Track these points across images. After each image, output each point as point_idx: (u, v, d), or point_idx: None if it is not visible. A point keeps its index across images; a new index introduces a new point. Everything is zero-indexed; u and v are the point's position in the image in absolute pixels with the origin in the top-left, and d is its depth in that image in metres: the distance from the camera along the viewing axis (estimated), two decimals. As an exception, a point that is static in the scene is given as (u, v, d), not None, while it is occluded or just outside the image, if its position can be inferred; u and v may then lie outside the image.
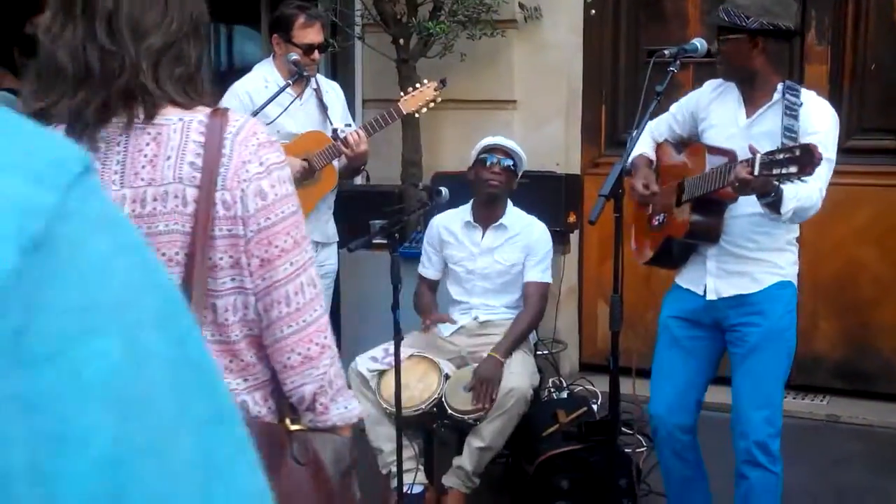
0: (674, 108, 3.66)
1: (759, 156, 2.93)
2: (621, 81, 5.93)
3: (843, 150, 5.53)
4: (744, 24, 3.26)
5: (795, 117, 3.25)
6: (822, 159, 2.85)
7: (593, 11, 5.98)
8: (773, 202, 3.07)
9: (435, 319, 4.42)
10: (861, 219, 5.47)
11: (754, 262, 3.39)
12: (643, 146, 3.64)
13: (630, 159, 3.58)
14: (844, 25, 5.52)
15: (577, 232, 5.79)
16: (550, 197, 5.28)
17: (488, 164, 4.33)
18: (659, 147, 3.65)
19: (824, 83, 5.53)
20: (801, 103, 3.27)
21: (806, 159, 2.82)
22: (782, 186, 3.03)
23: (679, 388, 3.56)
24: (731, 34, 3.28)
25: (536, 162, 5.71)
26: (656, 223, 3.58)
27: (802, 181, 2.96)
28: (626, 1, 5.98)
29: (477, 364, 4.18)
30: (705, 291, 3.45)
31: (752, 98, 3.38)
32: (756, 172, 2.93)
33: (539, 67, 5.90)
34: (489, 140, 4.40)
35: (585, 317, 6.15)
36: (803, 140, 3.17)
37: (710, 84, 3.56)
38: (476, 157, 4.38)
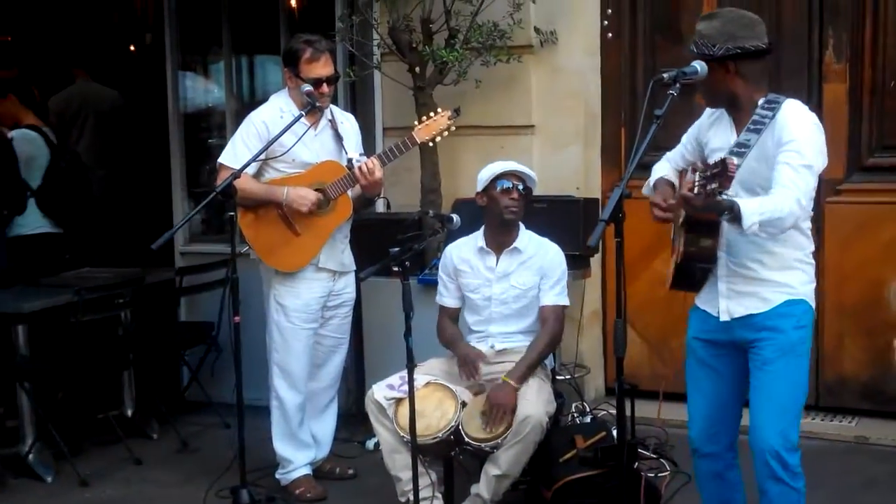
0: (684, 137, 3.71)
1: (697, 175, 3.00)
2: (639, 103, 5.92)
3: (864, 169, 5.55)
4: (710, 52, 3.29)
5: (757, 132, 3.27)
6: (734, 174, 2.94)
7: (610, 35, 5.99)
8: (732, 218, 3.10)
9: (476, 366, 4.31)
10: (885, 237, 5.41)
11: (763, 282, 3.39)
12: (662, 171, 3.68)
13: (652, 182, 3.63)
14: (863, 43, 5.48)
15: (598, 256, 5.78)
16: (569, 221, 5.28)
17: (504, 189, 4.33)
18: (680, 175, 3.67)
19: (843, 101, 5.50)
20: (773, 115, 3.28)
21: (721, 174, 2.91)
22: (738, 203, 3.07)
23: (712, 405, 3.56)
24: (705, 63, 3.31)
25: (556, 186, 5.73)
26: (673, 250, 3.62)
27: (727, 195, 3.03)
28: (643, 23, 5.98)
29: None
30: (719, 312, 3.46)
31: (740, 119, 3.40)
32: (696, 191, 2.99)
33: (556, 91, 5.91)
34: (502, 165, 4.40)
35: (610, 340, 6.11)
36: (780, 150, 3.20)
37: (708, 110, 3.58)
38: (488, 182, 4.37)
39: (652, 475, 4.63)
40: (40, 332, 5.40)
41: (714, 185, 2.93)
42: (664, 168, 3.70)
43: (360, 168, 4.55)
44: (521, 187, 4.35)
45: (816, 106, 5.24)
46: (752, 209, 3.07)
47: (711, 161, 3.38)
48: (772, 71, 5.44)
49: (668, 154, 3.74)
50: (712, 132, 3.51)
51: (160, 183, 7.10)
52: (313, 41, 4.63)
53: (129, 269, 6.07)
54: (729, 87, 3.35)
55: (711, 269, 3.44)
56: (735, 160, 3.04)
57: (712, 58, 3.29)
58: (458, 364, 4.35)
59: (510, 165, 4.41)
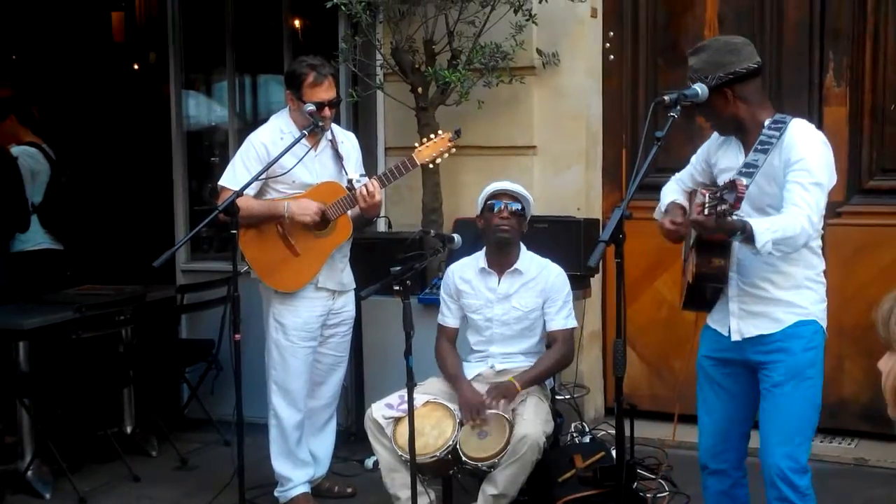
0: (693, 158, 3.73)
1: (707, 196, 3.02)
2: (640, 125, 5.95)
3: (864, 191, 5.56)
4: (704, 80, 3.32)
5: (765, 152, 3.29)
6: (744, 194, 2.96)
7: (612, 56, 6.02)
8: (745, 238, 3.12)
9: (478, 412, 4.23)
10: (885, 259, 5.42)
11: (774, 302, 3.41)
12: (672, 193, 3.71)
13: (664, 207, 3.66)
14: (863, 67, 5.51)
15: (599, 276, 5.80)
16: (570, 241, 5.29)
17: (496, 209, 4.35)
18: (690, 194, 3.70)
19: (843, 125, 5.52)
20: (780, 136, 3.30)
21: (730, 194, 2.92)
22: (750, 223, 3.08)
23: (721, 424, 3.58)
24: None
25: (557, 206, 5.75)
26: (684, 270, 3.64)
27: (738, 216, 3.04)
28: (645, 45, 6.01)
29: (492, 411, 4.18)
30: (730, 332, 3.48)
31: (748, 142, 3.42)
32: (706, 212, 3.00)
33: (558, 112, 5.93)
34: (495, 186, 4.43)
35: (609, 360, 6.12)
36: (788, 169, 3.23)
37: (716, 132, 3.60)
38: (483, 203, 4.40)
39: (650, 496, 4.63)
40: (41, 349, 5.40)
41: (725, 207, 2.94)
42: (674, 189, 3.72)
43: (360, 192, 4.56)
44: (513, 206, 4.36)
45: (817, 128, 5.25)
46: (765, 228, 3.09)
47: (720, 182, 3.41)
48: (772, 93, 5.49)
49: (677, 175, 3.77)
50: (721, 153, 3.54)
51: (163, 201, 7.13)
52: (316, 65, 4.64)
53: (130, 286, 6.08)
54: (732, 112, 3.38)
55: (723, 288, 3.45)
56: (744, 181, 3.06)
57: (708, 88, 3.32)
58: (460, 405, 4.32)
59: (502, 185, 4.43)
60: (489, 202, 4.38)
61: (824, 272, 3.50)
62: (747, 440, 3.62)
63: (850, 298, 5.50)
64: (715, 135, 3.61)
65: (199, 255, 7.01)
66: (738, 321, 3.45)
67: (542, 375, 4.35)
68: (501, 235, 4.36)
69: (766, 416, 3.42)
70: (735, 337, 3.46)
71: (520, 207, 4.39)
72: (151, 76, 8.46)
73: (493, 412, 4.19)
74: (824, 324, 3.48)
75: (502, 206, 4.36)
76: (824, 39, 5.57)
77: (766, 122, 3.36)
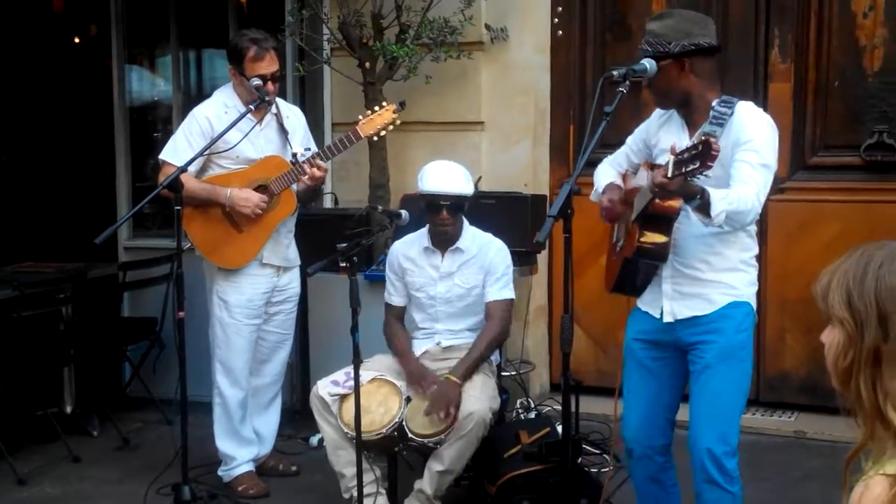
0: (629, 139, 3.69)
1: (671, 158, 2.97)
2: (589, 101, 5.93)
3: (807, 167, 5.62)
4: (666, 50, 3.28)
5: (720, 125, 3.26)
6: (718, 151, 2.87)
7: (560, 32, 6.00)
8: (701, 205, 3.08)
9: (424, 385, 4.22)
10: (827, 235, 5.47)
11: (708, 283, 3.39)
12: (608, 176, 3.66)
13: (601, 188, 3.61)
14: (807, 43, 5.55)
15: (546, 252, 5.79)
16: (517, 217, 5.28)
17: (436, 209, 4.26)
18: (623, 177, 3.66)
19: (788, 100, 5.57)
20: (732, 113, 3.28)
21: (705, 152, 2.85)
22: (708, 190, 3.05)
23: (648, 409, 3.55)
24: (658, 63, 3.30)
25: (505, 182, 5.74)
26: (618, 249, 3.59)
27: (706, 176, 2.97)
28: (593, 21, 6.00)
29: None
30: (662, 314, 3.45)
31: (693, 120, 3.40)
32: (669, 174, 2.95)
33: (506, 88, 5.91)
34: (435, 185, 4.27)
35: (555, 336, 6.13)
36: (737, 149, 3.20)
37: (657, 111, 3.57)
38: (422, 192, 4.29)
39: (594, 470, 4.65)
40: (-21, 328, 5.30)
41: (695, 166, 2.87)
42: (608, 172, 3.68)
43: (308, 168, 4.51)
44: (450, 205, 4.27)
45: (761, 104, 5.27)
46: (721, 198, 3.07)
47: (661, 162, 3.39)
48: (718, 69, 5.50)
49: (610, 158, 3.71)
50: (662, 132, 3.50)
51: (105, 177, 7.01)
52: (258, 39, 4.58)
53: (71, 263, 5.98)
54: (683, 85, 3.33)
55: (658, 269, 3.43)
56: (742, 157, 2.98)
57: (667, 55, 3.28)
58: (406, 380, 4.30)
59: (440, 187, 4.27)
60: (430, 201, 4.28)
61: (756, 256, 3.49)
62: (673, 426, 3.60)
63: (792, 273, 5.56)
64: (654, 115, 3.58)
65: (142, 232, 6.91)
66: (672, 302, 3.42)
67: (479, 360, 4.29)
68: (441, 233, 4.33)
69: (697, 397, 3.40)
70: (668, 318, 3.43)
71: (460, 204, 4.33)
72: (92, 50, 8.29)
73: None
74: (755, 306, 3.48)
75: (443, 210, 4.26)
76: (770, 15, 5.60)
77: (715, 102, 3.33)
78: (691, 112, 3.39)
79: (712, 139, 2.88)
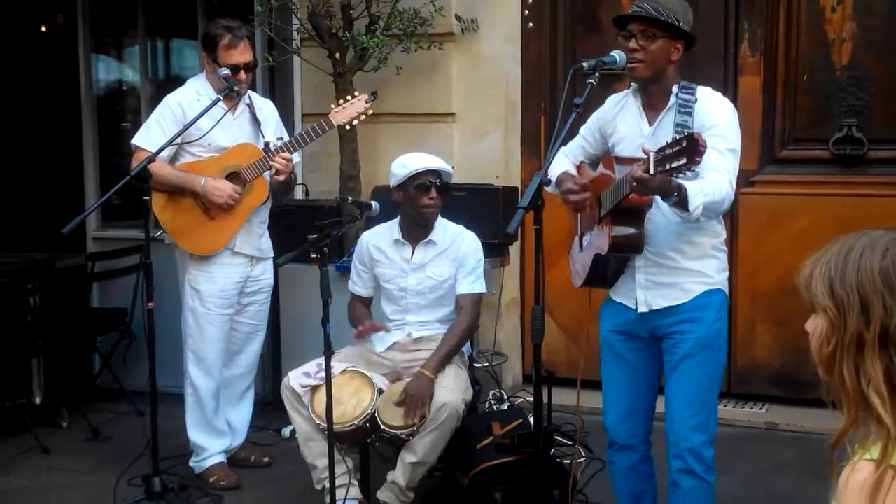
0: (583, 129, 3.65)
1: (651, 154, 2.93)
2: (559, 92, 5.94)
3: (777, 161, 5.66)
4: (677, 24, 3.28)
5: (689, 113, 3.26)
6: (706, 146, 2.84)
7: (531, 24, 6.01)
8: (679, 201, 3.07)
9: (368, 329, 4.35)
10: (797, 228, 5.52)
11: (682, 272, 3.38)
12: (562, 165, 3.62)
13: (553, 179, 3.57)
14: (777, 37, 5.59)
15: (517, 243, 5.80)
16: (488, 209, 5.28)
17: (422, 188, 4.23)
18: (578, 168, 3.65)
19: (757, 94, 5.60)
20: (696, 99, 3.29)
21: (692, 148, 2.81)
22: (684, 184, 3.04)
23: (628, 399, 3.55)
24: (659, 32, 3.28)
25: (475, 174, 5.74)
26: (585, 243, 3.57)
27: (694, 171, 2.95)
28: (563, 13, 6.00)
29: (410, 379, 4.16)
30: (636, 304, 3.45)
31: (653, 104, 3.39)
32: (651, 171, 2.92)
33: (477, 79, 5.91)
34: (420, 162, 4.29)
35: (528, 328, 6.15)
36: (704, 135, 3.14)
37: (611, 100, 3.57)
38: (404, 179, 4.26)
39: (567, 461, 4.66)
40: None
41: (681, 162, 2.84)
42: (564, 163, 3.65)
43: (277, 159, 4.50)
44: (438, 184, 4.31)
45: (731, 98, 5.30)
46: (697, 191, 3.06)
47: (619, 151, 3.39)
48: (688, 62, 5.53)
49: (565, 148, 3.66)
50: (619, 120, 3.49)
51: (72, 166, 6.95)
52: (233, 27, 4.56)
53: (39, 253, 5.92)
54: (668, 64, 3.33)
55: (630, 259, 3.44)
56: (709, 143, 2.95)
57: (674, 29, 3.28)
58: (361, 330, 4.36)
59: (428, 163, 4.31)
60: (418, 181, 4.26)
61: (726, 240, 3.50)
62: (653, 414, 3.61)
63: (762, 266, 5.60)
64: (608, 104, 3.56)
65: (111, 223, 6.85)
66: (646, 292, 3.42)
67: (451, 353, 4.28)
68: (429, 214, 4.30)
69: (674, 388, 3.41)
70: (642, 309, 3.42)
71: (442, 182, 4.33)
72: (59, 38, 8.20)
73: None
74: (727, 291, 3.49)
75: (429, 185, 4.25)
76: (739, 9, 5.63)
77: (675, 89, 3.33)
78: (653, 95, 3.38)
79: (698, 135, 2.85)
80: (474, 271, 4.37)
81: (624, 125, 3.45)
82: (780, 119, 5.64)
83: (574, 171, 3.61)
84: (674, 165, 2.86)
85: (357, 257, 4.51)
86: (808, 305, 1.65)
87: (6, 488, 4.89)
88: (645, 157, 2.95)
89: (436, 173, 4.29)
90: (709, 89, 3.38)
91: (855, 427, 1.58)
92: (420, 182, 4.25)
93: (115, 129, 7.33)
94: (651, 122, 3.38)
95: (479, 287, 4.40)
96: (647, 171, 2.92)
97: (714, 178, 3.14)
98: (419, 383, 4.10)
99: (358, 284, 4.51)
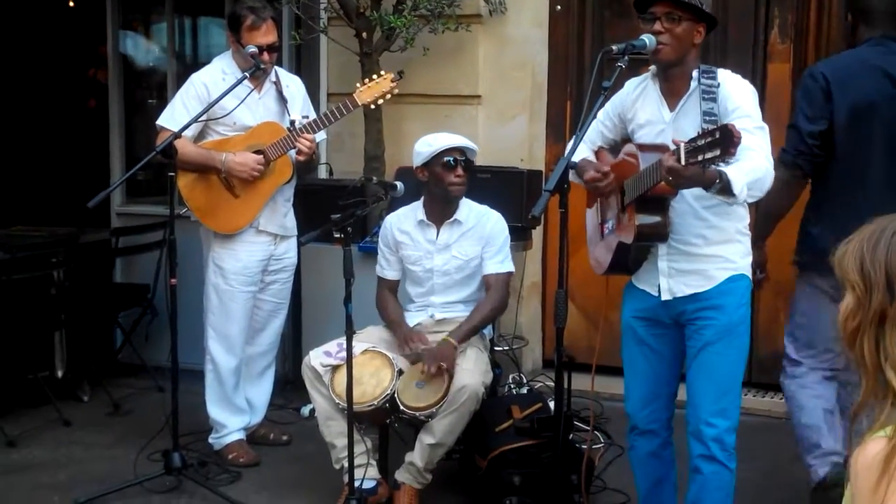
0: (601, 114, 3.59)
1: (682, 145, 2.90)
2: (586, 76, 5.91)
3: (805, 148, 5.57)
4: (701, 6, 3.26)
5: (714, 100, 3.22)
6: (741, 137, 2.80)
7: (559, 7, 5.97)
8: (722, 187, 3.03)
9: (415, 348, 4.25)
10: (823, 217, 5.46)
11: (705, 258, 3.35)
12: (580, 152, 3.56)
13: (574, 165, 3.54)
14: (807, 23, 5.54)
15: (540, 228, 5.78)
16: (513, 192, 5.26)
17: (449, 165, 4.23)
18: (597, 154, 3.62)
19: (787, 81, 5.54)
20: (719, 84, 3.25)
21: (727, 140, 2.78)
22: (724, 170, 2.99)
23: (650, 384, 3.55)
24: (684, 14, 3.24)
25: (500, 157, 5.72)
26: (607, 231, 3.54)
27: (728, 162, 2.91)
28: (592, -3, 5.97)
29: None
30: (659, 291, 3.42)
31: (673, 90, 3.35)
32: (683, 162, 2.88)
33: (503, 62, 5.88)
34: (446, 140, 4.30)
35: (549, 312, 6.14)
36: (727, 118, 3.13)
37: (630, 84, 3.53)
38: (430, 157, 4.27)
39: (584, 447, 4.65)
40: (-31, 291, 5.28)
41: (715, 154, 2.80)
42: (583, 150, 3.59)
43: (301, 139, 4.50)
44: (464, 162, 4.30)
45: (760, 85, 5.28)
46: (738, 174, 3.02)
47: (639, 137, 3.36)
48: (718, 49, 5.49)
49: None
50: (639, 105, 3.45)
51: (99, 142, 6.97)
52: (256, 8, 4.55)
53: (63, 228, 5.95)
54: (690, 49, 3.31)
55: (653, 248, 3.41)
56: (737, 125, 2.89)
57: (697, 11, 3.26)
58: (398, 344, 4.30)
59: (454, 140, 4.31)
60: (445, 158, 4.25)
61: (750, 225, 3.47)
62: (675, 399, 3.60)
63: (786, 254, 5.53)
64: (626, 88, 3.53)
65: (135, 199, 6.88)
66: (669, 280, 3.39)
67: (478, 327, 4.31)
68: (456, 192, 4.30)
69: (697, 374, 3.39)
70: (665, 296, 3.40)
71: (471, 161, 4.32)
72: (88, 14, 8.22)
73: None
74: (751, 276, 3.46)
75: (455, 163, 4.25)
76: (770, -4, 5.58)
77: (695, 73, 3.30)
78: (674, 80, 3.34)
79: (732, 126, 2.81)
80: (502, 250, 4.37)
81: (644, 111, 3.42)
82: (809, 107, 5.57)
83: (593, 158, 3.58)
84: (707, 157, 2.82)
85: (382, 241, 4.51)
86: (840, 283, 1.73)
87: (28, 460, 4.93)
88: (674, 147, 2.92)
89: (461, 151, 4.29)
90: (727, 72, 3.34)
91: (872, 397, 1.66)
92: (447, 159, 4.24)
93: (142, 106, 7.35)
94: (672, 108, 3.34)
95: (508, 266, 4.39)
96: (679, 161, 2.89)
97: (750, 157, 3.08)
98: (442, 347, 4.12)
99: (386, 268, 4.51)
